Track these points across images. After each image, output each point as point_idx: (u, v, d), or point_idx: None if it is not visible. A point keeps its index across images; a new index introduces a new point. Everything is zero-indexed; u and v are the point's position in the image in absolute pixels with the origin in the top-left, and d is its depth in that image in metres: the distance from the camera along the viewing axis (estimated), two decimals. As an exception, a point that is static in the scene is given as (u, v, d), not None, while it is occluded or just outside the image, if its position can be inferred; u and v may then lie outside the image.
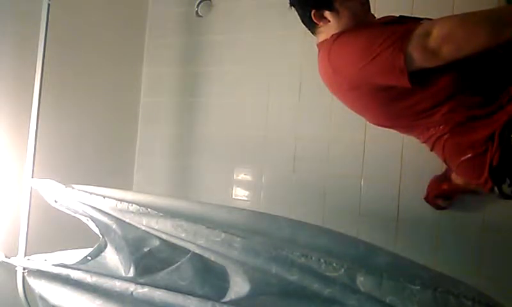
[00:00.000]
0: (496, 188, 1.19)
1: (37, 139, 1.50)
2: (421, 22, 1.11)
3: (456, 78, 1.12)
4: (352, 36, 1.17)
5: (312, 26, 1.26)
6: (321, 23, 1.21)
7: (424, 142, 1.31)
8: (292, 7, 1.27)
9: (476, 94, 1.15)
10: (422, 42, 1.03)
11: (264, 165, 2.06)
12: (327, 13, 1.19)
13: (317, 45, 1.29)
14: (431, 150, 1.31)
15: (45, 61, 1.51)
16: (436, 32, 1.02)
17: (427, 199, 1.71)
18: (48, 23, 1.52)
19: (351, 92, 1.22)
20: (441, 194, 1.66)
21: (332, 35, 1.20)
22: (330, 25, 1.21)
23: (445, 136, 1.22)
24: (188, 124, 2.26)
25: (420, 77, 1.08)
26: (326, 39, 1.22)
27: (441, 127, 1.22)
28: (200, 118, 2.23)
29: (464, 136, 1.19)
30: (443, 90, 1.13)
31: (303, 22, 1.28)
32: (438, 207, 1.70)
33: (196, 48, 2.26)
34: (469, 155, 1.19)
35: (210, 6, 2.23)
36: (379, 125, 1.35)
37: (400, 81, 1.07)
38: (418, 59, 1.04)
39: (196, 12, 2.26)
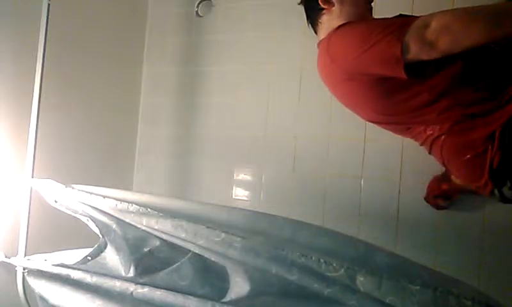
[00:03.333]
0: (496, 191, 1.18)
1: (37, 139, 1.50)
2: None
3: (453, 73, 1.12)
4: (352, 26, 1.19)
5: (315, 13, 1.29)
6: (326, 8, 1.26)
7: (421, 144, 1.30)
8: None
9: (474, 91, 1.14)
10: (420, 33, 1.03)
11: (264, 165, 2.06)
12: None
13: (318, 44, 1.31)
14: (429, 152, 1.30)
15: (45, 61, 1.51)
16: (434, 24, 1.02)
17: (427, 199, 1.71)
18: (48, 23, 1.52)
19: (347, 83, 1.21)
20: (441, 194, 1.66)
21: (332, 29, 1.22)
22: (333, 12, 1.25)
23: (443, 136, 1.21)
24: (188, 124, 2.26)
25: (417, 70, 1.08)
26: (326, 36, 1.24)
27: (438, 127, 1.21)
28: (199, 118, 2.23)
29: (462, 136, 1.17)
30: (439, 85, 1.13)
31: (307, 12, 1.33)
32: (438, 207, 1.70)
33: (196, 48, 2.26)
34: (468, 156, 1.17)
35: (210, 6, 2.23)
36: (374, 121, 1.34)
37: (395, 71, 1.07)
38: (415, 49, 1.04)
39: (196, 12, 2.26)
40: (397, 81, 1.11)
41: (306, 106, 1.98)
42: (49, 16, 1.52)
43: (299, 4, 1.36)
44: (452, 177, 1.58)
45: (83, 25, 1.99)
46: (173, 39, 2.33)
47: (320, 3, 1.26)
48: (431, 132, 1.23)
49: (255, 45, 2.11)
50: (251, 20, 2.13)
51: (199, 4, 2.25)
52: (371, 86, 1.17)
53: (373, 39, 1.08)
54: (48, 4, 1.51)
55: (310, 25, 1.35)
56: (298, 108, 2.00)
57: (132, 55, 2.36)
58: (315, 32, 1.34)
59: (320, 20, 1.29)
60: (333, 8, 1.25)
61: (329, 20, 1.26)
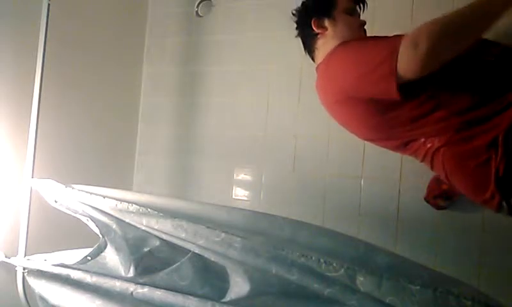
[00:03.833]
0: (504, 204, 1.13)
1: (37, 139, 1.50)
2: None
3: (447, 83, 1.12)
4: (351, 46, 1.22)
5: (311, 40, 1.35)
6: (320, 33, 1.32)
7: (422, 160, 1.28)
8: (297, 29, 1.42)
9: (469, 99, 1.13)
10: (411, 55, 1.02)
11: (264, 165, 2.06)
12: (326, 22, 1.31)
13: (316, 69, 1.34)
14: (432, 168, 1.27)
15: (45, 61, 1.51)
16: (422, 44, 1.00)
17: (427, 199, 1.71)
18: (48, 23, 1.52)
19: (345, 102, 1.22)
20: (441, 194, 1.66)
21: (329, 50, 1.25)
22: (327, 36, 1.30)
23: (443, 149, 1.18)
24: (188, 124, 2.25)
25: (408, 87, 1.08)
26: (324, 57, 1.28)
27: (437, 139, 1.19)
28: (200, 118, 2.23)
29: (463, 145, 1.15)
30: (434, 97, 1.13)
31: (303, 39, 1.40)
32: (438, 207, 1.70)
33: (196, 48, 2.26)
34: (471, 166, 1.14)
35: (210, 6, 2.23)
36: (371, 138, 1.34)
37: (390, 94, 1.07)
38: (408, 73, 1.03)
39: (196, 12, 2.26)
40: (390, 100, 1.11)
41: (306, 106, 1.97)
42: (49, 16, 1.52)
43: (296, 36, 1.42)
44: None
45: (83, 25, 1.99)
46: (173, 39, 2.33)
47: (314, 28, 1.32)
48: (430, 145, 1.21)
49: (255, 45, 2.11)
50: (251, 20, 2.13)
51: (199, 4, 2.25)
52: (367, 103, 1.17)
53: (371, 62, 1.09)
54: (48, 4, 1.51)
55: (307, 53, 1.41)
56: (298, 108, 2.00)
57: (132, 55, 2.36)
58: (313, 60, 1.39)
59: (316, 46, 1.35)
60: (327, 32, 1.30)
61: (324, 44, 1.30)
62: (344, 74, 1.18)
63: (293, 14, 1.43)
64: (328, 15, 1.30)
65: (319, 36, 1.33)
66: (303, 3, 1.41)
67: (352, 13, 1.33)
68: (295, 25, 1.42)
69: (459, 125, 1.14)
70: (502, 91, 1.12)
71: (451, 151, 1.18)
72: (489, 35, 1.10)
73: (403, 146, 1.30)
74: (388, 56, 1.05)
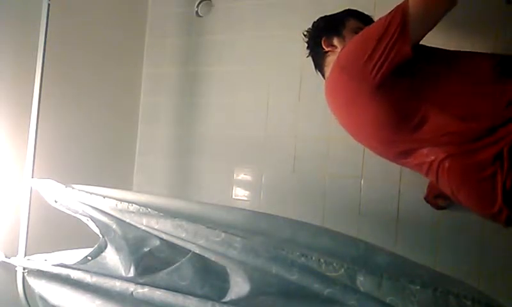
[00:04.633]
0: None
1: (37, 139, 1.50)
2: None
3: (450, 89, 1.14)
4: (348, 43, 1.26)
5: (321, 57, 1.40)
6: (329, 50, 1.36)
7: (426, 173, 1.25)
8: (308, 49, 1.47)
9: (469, 108, 1.12)
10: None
11: (264, 165, 2.06)
12: (335, 40, 1.35)
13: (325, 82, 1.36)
14: (437, 183, 1.25)
15: (45, 60, 1.51)
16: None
17: (427, 199, 1.71)
18: (48, 23, 1.52)
19: (359, 97, 1.20)
20: (441, 194, 1.66)
21: None
22: (336, 53, 1.33)
23: (447, 161, 1.15)
24: (188, 124, 2.25)
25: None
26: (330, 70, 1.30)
27: (440, 151, 1.16)
28: (199, 118, 2.23)
29: (467, 158, 1.12)
30: (437, 101, 1.14)
31: (314, 58, 1.45)
32: (438, 207, 1.70)
33: (196, 48, 2.26)
34: (476, 181, 1.12)
35: (210, 6, 2.23)
36: (383, 143, 1.32)
37: (403, 45, 1.10)
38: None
39: (196, 12, 2.26)
40: (399, 94, 1.13)
41: (306, 106, 1.97)
42: (49, 16, 1.52)
43: (307, 56, 1.48)
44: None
45: (83, 25, 1.99)
46: (173, 39, 2.33)
47: (324, 47, 1.37)
48: (434, 158, 1.18)
49: (255, 45, 2.11)
50: (251, 20, 2.12)
51: (199, 4, 2.25)
52: (380, 95, 1.16)
53: (378, 33, 1.12)
54: (48, 4, 1.51)
55: (318, 71, 1.45)
56: (298, 108, 1.99)
57: (132, 55, 2.35)
58: (323, 77, 1.42)
59: (325, 63, 1.39)
60: (336, 50, 1.34)
61: (333, 61, 1.31)
62: (357, 54, 1.16)
63: (304, 35, 1.48)
64: (337, 33, 1.35)
65: (328, 53, 1.37)
66: (313, 24, 1.46)
67: None
68: (306, 45, 1.48)
69: (462, 137, 1.12)
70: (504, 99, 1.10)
71: (456, 165, 1.15)
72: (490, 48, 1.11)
73: (405, 155, 1.27)
74: (391, 15, 1.11)
